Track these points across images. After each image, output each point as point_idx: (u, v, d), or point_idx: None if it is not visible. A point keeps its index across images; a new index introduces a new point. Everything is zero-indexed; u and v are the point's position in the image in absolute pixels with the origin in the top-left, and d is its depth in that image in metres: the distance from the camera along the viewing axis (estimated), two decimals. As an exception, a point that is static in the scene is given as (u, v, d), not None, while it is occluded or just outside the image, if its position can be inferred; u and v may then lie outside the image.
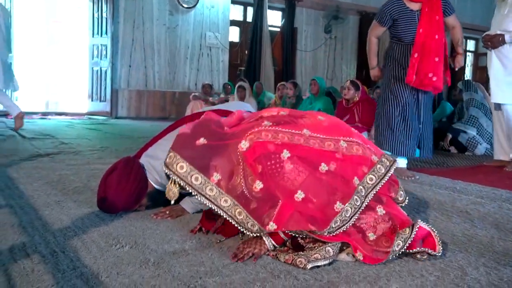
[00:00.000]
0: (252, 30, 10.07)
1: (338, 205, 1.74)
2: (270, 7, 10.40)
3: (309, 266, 1.63)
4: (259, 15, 10.08)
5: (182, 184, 1.72)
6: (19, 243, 1.76)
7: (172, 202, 2.00)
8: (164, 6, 9.18)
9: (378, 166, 1.90)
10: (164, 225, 2.07)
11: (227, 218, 1.77)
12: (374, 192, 1.85)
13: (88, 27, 9.02)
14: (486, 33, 4.14)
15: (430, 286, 1.53)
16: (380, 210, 1.82)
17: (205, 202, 1.76)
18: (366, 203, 1.82)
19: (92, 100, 9.09)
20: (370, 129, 5.07)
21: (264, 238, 1.73)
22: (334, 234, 1.72)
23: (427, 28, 3.45)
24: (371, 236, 1.76)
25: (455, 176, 3.64)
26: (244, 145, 1.79)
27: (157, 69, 9.28)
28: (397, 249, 1.70)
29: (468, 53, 14.01)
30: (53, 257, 1.63)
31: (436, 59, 3.44)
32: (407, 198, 2.02)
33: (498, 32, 4.00)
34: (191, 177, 1.73)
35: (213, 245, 1.84)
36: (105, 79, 8.83)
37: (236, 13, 10.44)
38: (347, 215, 1.74)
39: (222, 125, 1.96)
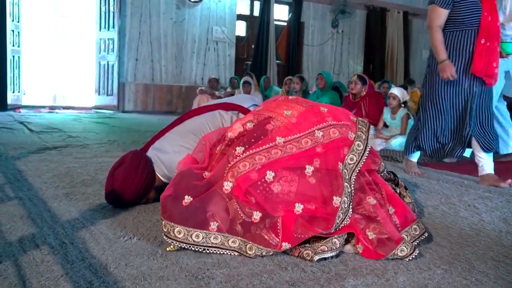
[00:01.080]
0: (259, 25, 10.04)
1: (336, 200, 1.74)
2: (277, 1, 10.37)
3: (316, 258, 1.63)
4: (266, 9, 10.05)
5: (186, 247, 1.68)
6: (28, 234, 1.78)
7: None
8: (171, 0, 9.18)
9: (357, 143, 1.89)
10: (172, 218, 2.08)
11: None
12: (357, 171, 1.84)
13: (95, 21, 9.03)
14: None
15: (437, 279, 1.53)
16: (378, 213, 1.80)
17: (215, 251, 1.69)
18: (353, 186, 1.81)
19: (99, 94, 9.11)
20: (377, 123, 5.05)
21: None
22: (339, 228, 1.73)
23: (490, 10, 3.09)
24: (371, 235, 1.74)
25: (463, 171, 3.62)
26: (227, 185, 1.77)
27: (163, 63, 9.28)
28: (400, 254, 1.68)
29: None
30: (62, 248, 1.64)
31: (498, 48, 3.14)
32: (386, 168, 2.04)
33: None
34: (191, 237, 1.69)
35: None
36: (112, 73, 8.85)
37: (243, 7, 10.41)
38: (345, 206, 1.75)
39: (200, 174, 1.89)
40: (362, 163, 1.87)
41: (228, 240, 1.71)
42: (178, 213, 1.72)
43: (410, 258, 1.67)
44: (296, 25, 10.58)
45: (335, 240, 1.70)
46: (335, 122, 1.91)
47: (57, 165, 3.19)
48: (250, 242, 1.69)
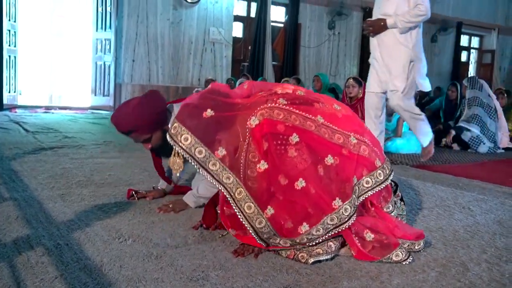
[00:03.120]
0: (256, 26, 10.05)
1: (337, 202, 1.69)
2: (274, 3, 10.36)
3: (311, 260, 1.64)
4: (262, 11, 10.04)
5: (185, 156, 1.67)
6: (23, 235, 1.78)
7: (178, 174, 1.94)
8: (168, 1, 9.16)
9: (378, 171, 1.84)
10: (167, 219, 2.08)
11: (227, 196, 1.70)
12: (366, 196, 1.79)
13: (92, 21, 9.01)
14: (368, 19, 3.93)
15: (431, 282, 1.54)
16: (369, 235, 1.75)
17: (207, 177, 1.70)
18: (356, 204, 1.76)
19: (95, 95, 9.09)
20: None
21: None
22: (331, 233, 1.68)
23: None
24: (368, 236, 1.73)
25: (458, 173, 3.64)
26: (253, 121, 1.72)
27: (160, 64, 9.27)
28: (395, 258, 1.68)
29: (472, 50, 13.96)
30: (57, 250, 1.64)
31: None
32: (394, 211, 1.94)
33: (380, 17, 3.75)
34: (195, 150, 1.68)
35: (216, 239, 1.85)
36: (109, 74, 8.82)
37: (240, 8, 10.40)
38: (346, 214, 1.69)
39: (231, 96, 1.87)
40: (375, 191, 1.81)
41: (224, 175, 1.68)
42: (194, 121, 1.71)
43: (405, 263, 1.67)
44: (292, 27, 10.59)
45: (331, 243, 1.70)
46: (369, 143, 1.86)
47: (53, 165, 3.18)
48: (243, 188, 1.67)
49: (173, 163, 1.90)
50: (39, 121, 6.38)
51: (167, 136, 1.70)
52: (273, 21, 10.41)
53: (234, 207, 1.69)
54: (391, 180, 2.01)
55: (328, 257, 1.67)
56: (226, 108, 1.77)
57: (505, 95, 6.87)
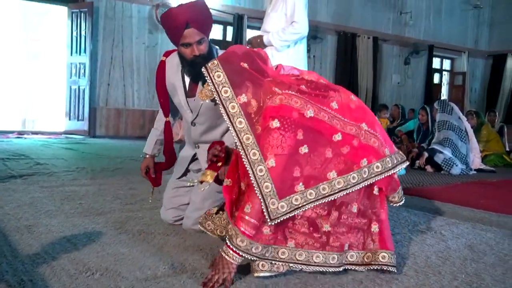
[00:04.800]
0: (232, 49, 10.13)
1: (332, 174, 1.77)
2: (250, 27, 10.47)
3: (256, 274, 1.74)
4: (239, 35, 10.14)
5: (212, 90, 1.77)
6: (-15, 271, 1.71)
7: (204, 101, 1.96)
8: (144, 25, 9.18)
9: (387, 159, 1.88)
10: (137, 250, 2.04)
11: (236, 142, 1.77)
12: (376, 179, 1.84)
13: (66, 45, 8.95)
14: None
15: (402, 312, 1.53)
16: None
17: (224, 117, 1.78)
18: (361, 186, 1.81)
19: (69, 119, 8.97)
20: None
21: (228, 257, 1.70)
22: (322, 201, 1.75)
23: None
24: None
25: (431, 196, 3.68)
26: (273, 102, 1.79)
27: (136, 87, 9.23)
28: (382, 260, 1.83)
29: (444, 72, 14.31)
30: (20, 286, 1.59)
31: None
32: (403, 199, 2.01)
33: (260, 33, 3.78)
34: (222, 88, 1.77)
35: (186, 271, 1.81)
36: (83, 98, 8.73)
37: (216, 32, 10.48)
38: (338, 186, 1.77)
39: (267, 65, 1.94)
40: (383, 175, 1.86)
41: (238, 119, 1.76)
42: (231, 66, 1.80)
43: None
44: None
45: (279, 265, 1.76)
46: (380, 137, 1.90)
47: (22, 194, 3.11)
48: (251, 135, 1.74)
49: (203, 93, 1.89)
50: (11, 147, 6.25)
51: (203, 69, 1.81)
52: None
53: (240, 151, 1.76)
54: None
55: (270, 274, 1.74)
56: (259, 70, 1.87)
57: (474, 115, 7.04)
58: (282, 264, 1.76)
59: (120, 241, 2.16)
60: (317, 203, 1.75)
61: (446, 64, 14.39)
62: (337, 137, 1.81)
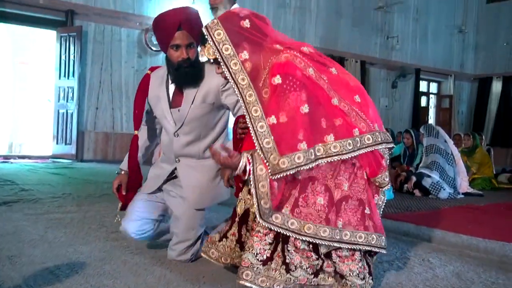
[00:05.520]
0: (221, 73, 10.20)
1: (329, 137, 1.79)
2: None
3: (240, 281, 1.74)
4: (227, 58, 10.24)
5: (213, 50, 1.79)
6: (-37, 307, 1.67)
7: (205, 59, 1.95)
8: (133, 49, 9.21)
9: (377, 133, 1.89)
10: (121, 282, 2.01)
11: (237, 95, 1.80)
12: (367, 150, 1.85)
13: (54, 68, 8.94)
14: None
15: None
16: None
17: (226, 74, 1.81)
18: (355, 154, 1.82)
19: (57, 143, 8.89)
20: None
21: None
22: (313, 164, 1.74)
23: None
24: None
25: (419, 222, 3.67)
26: (278, 59, 1.82)
27: (125, 111, 9.21)
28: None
29: (431, 95, 14.48)
30: (-2, 323, 1.55)
31: None
32: (389, 183, 2.01)
33: None
34: (223, 46, 1.79)
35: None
36: (71, 121, 8.67)
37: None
38: (335, 150, 1.78)
39: (269, 27, 1.95)
40: (376, 147, 1.87)
41: (240, 76, 1.79)
42: (231, 25, 1.82)
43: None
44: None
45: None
46: (368, 122, 1.90)
47: (5, 223, 3.05)
48: (254, 92, 1.78)
49: (206, 51, 1.90)
50: (-4, 172, 6.17)
51: (203, 28, 1.84)
52: (238, 69, 10.59)
53: (243, 108, 1.79)
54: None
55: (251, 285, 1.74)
56: (261, 31, 1.88)
57: (471, 136, 7.10)
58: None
59: (104, 273, 2.12)
60: (318, 163, 1.76)
61: (433, 87, 14.57)
62: (333, 104, 1.84)
